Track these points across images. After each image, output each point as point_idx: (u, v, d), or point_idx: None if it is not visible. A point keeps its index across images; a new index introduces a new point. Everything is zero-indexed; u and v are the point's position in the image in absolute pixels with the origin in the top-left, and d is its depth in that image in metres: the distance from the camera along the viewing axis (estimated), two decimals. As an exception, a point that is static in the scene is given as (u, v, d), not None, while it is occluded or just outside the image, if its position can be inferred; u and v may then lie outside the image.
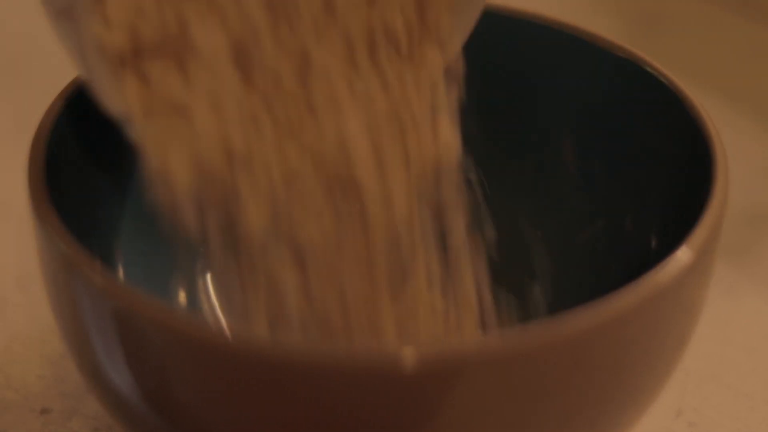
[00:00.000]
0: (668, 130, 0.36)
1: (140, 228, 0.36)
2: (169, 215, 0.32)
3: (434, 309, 0.36)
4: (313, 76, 0.34)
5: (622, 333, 0.29)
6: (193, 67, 0.33)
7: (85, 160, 0.35)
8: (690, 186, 0.34)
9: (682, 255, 0.30)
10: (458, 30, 0.36)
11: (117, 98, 0.32)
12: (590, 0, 0.62)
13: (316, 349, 0.28)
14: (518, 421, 0.29)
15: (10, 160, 0.36)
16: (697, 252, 0.30)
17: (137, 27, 0.32)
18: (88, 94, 0.33)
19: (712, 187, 0.32)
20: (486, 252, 0.36)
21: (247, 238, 0.33)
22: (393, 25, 0.35)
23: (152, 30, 0.32)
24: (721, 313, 0.43)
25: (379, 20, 0.35)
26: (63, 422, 0.38)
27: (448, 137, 0.35)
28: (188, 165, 0.32)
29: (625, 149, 0.38)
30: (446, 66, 0.36)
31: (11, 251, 0.45)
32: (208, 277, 0.39)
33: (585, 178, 0.39)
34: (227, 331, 0.29)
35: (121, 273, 0.37)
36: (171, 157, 0.32)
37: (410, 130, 0.35)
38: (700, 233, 0.30)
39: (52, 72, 0.36)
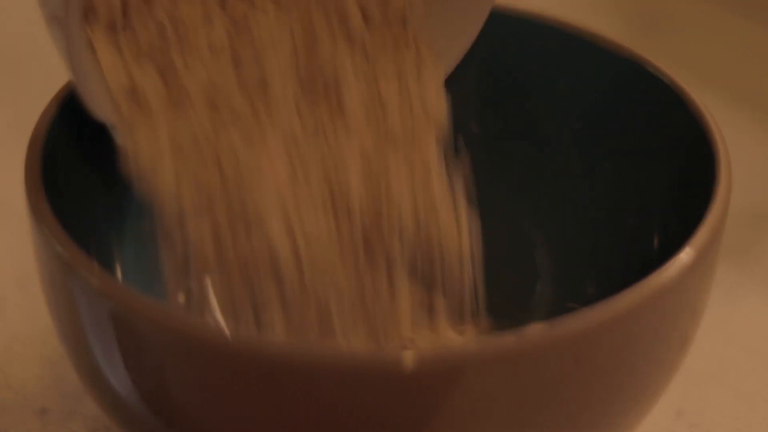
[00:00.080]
0: (670, 130, 0.36)
1: (138, 229, 0.36)
2: (159, 217, 0.32)
3: (431, 309, 0.36)
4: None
5: (624, 334, 0.29)
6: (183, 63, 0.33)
7: (83, 160, 0.35)
8: (692, 186, 0.34)
9: (685, 256, 0.30)
10: (452, 52, 0.37)
11: (105, 104, 0.33)
12: (590, 0, 0.62)
13: (315, 349, 0.28)
14: (519, 422, 0.29)
15: (10, 160, 0.36)
16: (699, 253, 0.30)
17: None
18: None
19: (715, 188, 0.32)
20: (485, 251, 0.36)
21: (239, 242, 0.33)
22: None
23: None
24: (721, 313, 0.43)
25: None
26: (62, 422, 0.38)
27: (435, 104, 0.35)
28: (174, 172, 0.32)
29: (627, 149, 0.38)
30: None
31: (11, 251, 0.45)
32: (207, 277, 0.39)
33: (586, 178, 0.39)
34: (226, 332, 0.29)
35: (118, 274, 0.37)
36: (157, 166, 0.32)
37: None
38: (702, 234, 0.30)
39: (51, 73, 0.36)
